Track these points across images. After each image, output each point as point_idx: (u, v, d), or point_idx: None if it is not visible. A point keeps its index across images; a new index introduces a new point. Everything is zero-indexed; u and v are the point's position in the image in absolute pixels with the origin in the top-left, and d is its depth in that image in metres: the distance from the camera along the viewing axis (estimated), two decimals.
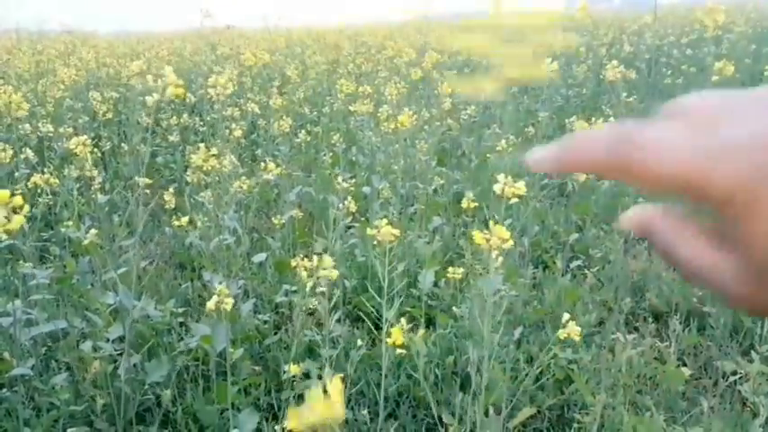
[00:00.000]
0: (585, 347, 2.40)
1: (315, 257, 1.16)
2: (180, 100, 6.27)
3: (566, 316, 1.17)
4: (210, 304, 1.51)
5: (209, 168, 1.91)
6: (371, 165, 4.03)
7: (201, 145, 1.89)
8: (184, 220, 2.65)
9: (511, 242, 0.96)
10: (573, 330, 1.17)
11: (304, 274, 1.15)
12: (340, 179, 2.72)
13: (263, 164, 2.91)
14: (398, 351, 1.41)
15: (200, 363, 2.19)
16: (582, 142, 0.31)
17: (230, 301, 1.53)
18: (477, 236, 0.91)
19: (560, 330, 1.15)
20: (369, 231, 1.61)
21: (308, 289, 1.15)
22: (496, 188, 1.21)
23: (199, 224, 2.66)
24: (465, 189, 3.44)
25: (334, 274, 1.13)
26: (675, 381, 2.06)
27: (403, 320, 1.46)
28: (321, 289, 1.16)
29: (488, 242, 0.92)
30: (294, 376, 1.73)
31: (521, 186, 1.18)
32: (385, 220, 1.57)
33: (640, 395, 2.16)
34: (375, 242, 1.59)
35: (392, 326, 1.51)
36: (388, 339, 1.40)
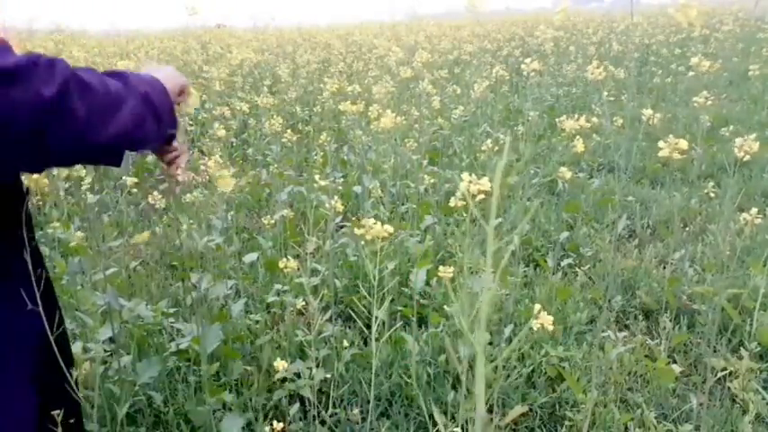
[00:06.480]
0: (576, 345, 2.41)
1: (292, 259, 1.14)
2: None
3: (536, 307, 1.15)
4: None
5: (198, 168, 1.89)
6: (362, 164, 4.02)
7: None
8: (165, 219, 2.63)
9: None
10: (546, 320, 1.15)
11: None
12: (318, 177, 2.70)
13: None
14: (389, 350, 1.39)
15: (192, 363, 2.18)
16: None
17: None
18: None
19: (533, 321, 1.13)
20: (357, 231, 1.58)
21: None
22: (461, 186, 1.19)
23: (185, 226, 2.64)
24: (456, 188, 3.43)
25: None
26: (666, 378, 2.07)
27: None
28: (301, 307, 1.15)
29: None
30: (285, 378, 1.73)
31: (485, 183, 1.16)
32: (373, 219, 1.55)
33: (631, 392, 2.17)
34: (363, 242, 1.58)
35: (383, 324, 1.51)
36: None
